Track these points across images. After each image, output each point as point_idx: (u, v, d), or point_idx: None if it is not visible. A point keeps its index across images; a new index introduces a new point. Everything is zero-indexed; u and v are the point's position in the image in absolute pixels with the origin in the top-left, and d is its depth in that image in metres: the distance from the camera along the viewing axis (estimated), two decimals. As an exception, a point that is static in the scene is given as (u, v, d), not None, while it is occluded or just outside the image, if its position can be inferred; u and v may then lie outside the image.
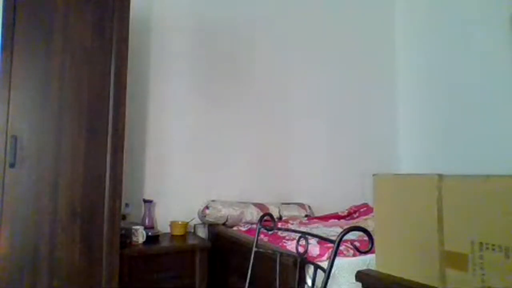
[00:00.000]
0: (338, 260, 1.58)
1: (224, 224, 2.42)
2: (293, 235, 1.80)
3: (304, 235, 1.39)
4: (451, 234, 0.89)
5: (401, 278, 1.00)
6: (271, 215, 1.59)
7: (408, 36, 3.40)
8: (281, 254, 1.49)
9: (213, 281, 2.21)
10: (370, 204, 2.82)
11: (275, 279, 1.44)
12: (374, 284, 1.06)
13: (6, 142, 1.63)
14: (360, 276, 1.11)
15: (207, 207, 2.41)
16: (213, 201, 2.49)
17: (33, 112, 1.70)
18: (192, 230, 2.44)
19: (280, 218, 2.55)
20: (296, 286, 1.46)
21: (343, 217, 2.78)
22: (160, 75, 2.56)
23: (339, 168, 3.09)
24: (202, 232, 2.43)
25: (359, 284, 1.12)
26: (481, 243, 0.83)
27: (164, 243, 2.14)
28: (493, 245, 0.81)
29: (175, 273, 2.04)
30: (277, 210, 2.58)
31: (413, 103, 3.32)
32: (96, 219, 1.77)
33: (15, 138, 1.64)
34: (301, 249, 1.39)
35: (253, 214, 2.46)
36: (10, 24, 1.66)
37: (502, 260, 0.79)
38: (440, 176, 0.93)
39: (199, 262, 2.08)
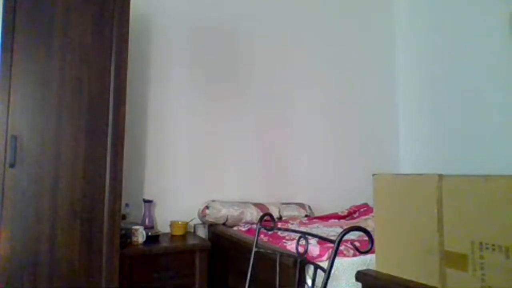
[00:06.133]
0: (338, 260, 1.59)
1: (224, 224, 2.42)
2: (293, 235, 1.80)
3: (304, 235, 1.39)
4: (451, 234, 0.89)
5: (401, 278, 1.00)
6: (271, 215, 1.58)
7: (409, 36, 3.40)
8: (281, 254, 1.49)
9: (213, 281, 2.22)
10: (370, 204, 2.82)
11: (275, 279, 1.44)
12: (374, 284, 1.06)
13: (6, 142, 1.63)
14: (360, 276, 1.12)
15: (207, 207, 2.41)
16: (213, 201, 2.49)
17: (33, 112, 1.69)
18: (192, 230, 2.45)
19: (280, 218, 2.55)
20: (296, 286, 1.46)
21: (343, 217, 2.78)
22: (160, 75, 2.55)
23: (339, 168, 3.09)
24: (202, 232, 2.43)
25: (359, 284, 1.12)
26: (481, 243, 0.83)
27: (164, 243, 2.14)
28: (493, 245, 0.81)
29: (175, 273, 2.04)
30: (277, 210, 2.58)
31: (413, 103, 3.32)
32: (96, 219, 1.77)
33: (15, 138, 1.64)
34: (301, 249, 1.39)
35: (253, 214, 2.45)
36: (10, 24, 1.66)
37: (502, 260, 0.79)
38: (440, 176, 0.93)
39: (199, 262, 2.08)
